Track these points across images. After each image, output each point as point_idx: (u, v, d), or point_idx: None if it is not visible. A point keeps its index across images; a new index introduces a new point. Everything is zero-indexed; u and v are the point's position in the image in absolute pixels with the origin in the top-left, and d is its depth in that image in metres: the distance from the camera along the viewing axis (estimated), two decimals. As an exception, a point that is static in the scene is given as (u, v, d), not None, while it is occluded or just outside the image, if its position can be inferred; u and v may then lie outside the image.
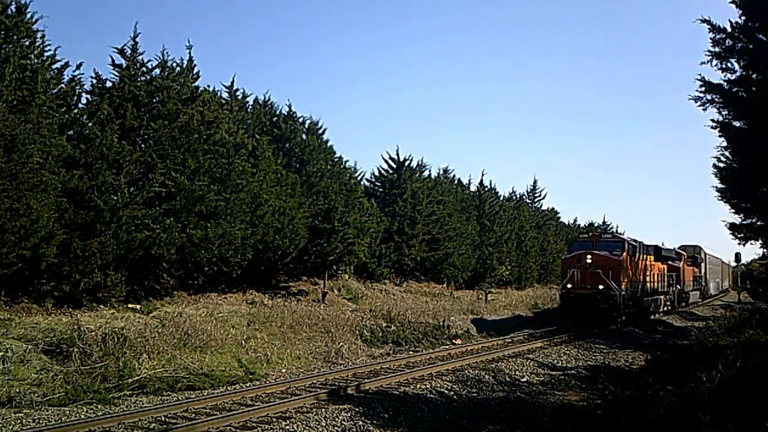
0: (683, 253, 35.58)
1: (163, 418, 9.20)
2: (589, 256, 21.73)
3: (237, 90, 24.44)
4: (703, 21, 13.76)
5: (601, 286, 21.11)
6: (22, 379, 10.47)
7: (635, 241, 25.42)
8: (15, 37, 14.65)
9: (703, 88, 14.15)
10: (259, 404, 10.11)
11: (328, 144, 26.14)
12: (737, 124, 14.69)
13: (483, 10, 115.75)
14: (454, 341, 19.18)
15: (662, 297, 28.18)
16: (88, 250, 14.38)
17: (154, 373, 11.96)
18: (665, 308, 29.49)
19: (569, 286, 21.71)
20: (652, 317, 27.43)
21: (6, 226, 12.38)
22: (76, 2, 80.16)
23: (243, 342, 15.01)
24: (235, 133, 19.79)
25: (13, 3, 14.76)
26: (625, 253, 22.39)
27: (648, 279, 25.91)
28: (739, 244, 18.13)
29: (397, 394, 11.12)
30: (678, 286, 32.24)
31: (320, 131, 26.17)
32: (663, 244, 35.57)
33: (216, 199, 17.45)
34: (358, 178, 28.71)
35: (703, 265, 41.89)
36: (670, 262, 31.09)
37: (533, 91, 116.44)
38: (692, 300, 36.86)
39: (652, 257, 27.07)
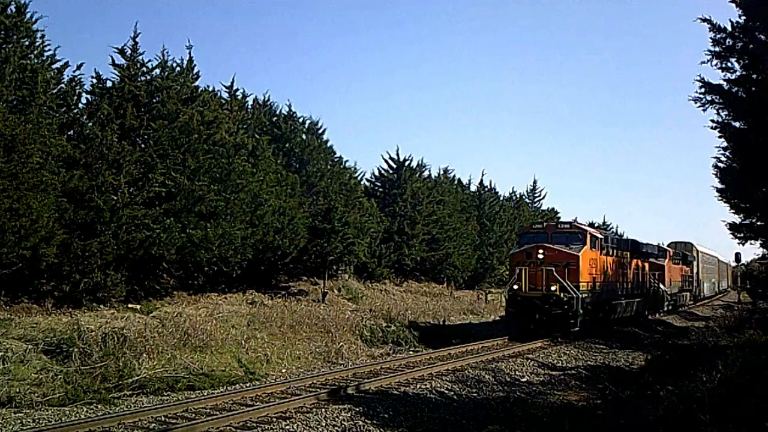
0: (669, 249, 31.91)
1: (163, 418, 9.19)
2: (540, 251, 18.12)
3: (237, 90, 24.54)
4: (704, 20, 13.80)
5: (553, 288, 17.65)
6: (22, 379, 10.47)
7: (603, 232, 22.17)
8: (15, 37, 14.68)
9: (702, 89, 14.18)
10: (259, 404, 10.11)
11: (328, 144, 26.26)
12: (737, 124, 14.71)
13: (483, 10, 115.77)
14: (453, 341, 19.17)
15: (639, 300, 24.30)
16: (88, 250, 14.39)
17: (154, 373, 11.96)
18: (645, 312, 25.75)
19: (515, 287, 18.21)
20: (652, 317, 27.18)
21: (6, 226, 12.39)
22: (76, 2, 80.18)
23: (243, 342, 15.01)
24: (235, 133, 19.82)
25: (13, 3, 14.78)
26: (586, 247, 18.67)
27: (621, 279, 22.39)
28: (739, 243, 18.15)
29: (397, 394, 11.12)
30: (662, 287, 28.39)
31: (320, 131, 26.26)
32: (663, 244, 34.95)
33: (216, 199, 17.46)
34: (358, 178, 28.79)
35: (695, 263, 38.37)
36: (652, 260, 27.51)
37: (533, 92, 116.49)
38: (680, 302, 33.04)
39: (628, 253, 23.54)
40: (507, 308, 18.90)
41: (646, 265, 26.36)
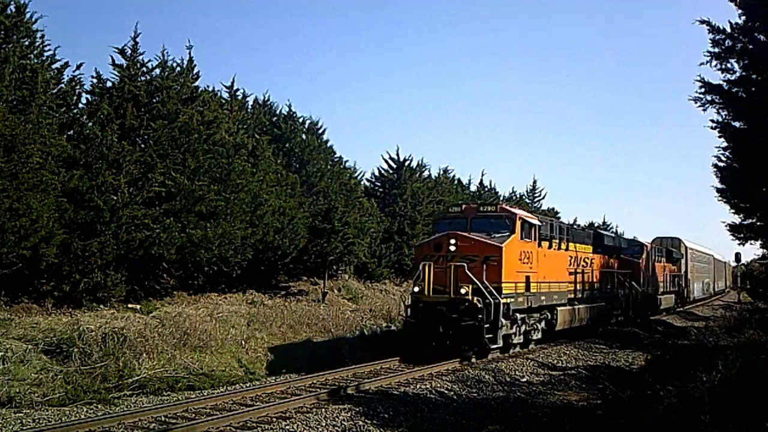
0: (646, 244, 27.54)
1: (163, 418, 9.20)
2: (452, 241, 14.09)
3: (237, 90, 24.56)
4: (702, 22, 13.81)
5: (464, 290, 13.62)
6: (22, 379, 10.47)
7: (545, 219, 17.67)
8: (15, 37, 14.68)
9: (702, 89, 14.20)
10: (259, 404, 10.11)
11: (328, 144, 26.30)
12: (737, 124, 14.72)
13: (483, 10, 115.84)
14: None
15: (602, 305, 20.41)
16: (88, 250, 14.39)
17: (154, 373, 11.97)
18: (612, 319, 21.93)
19: (417, 289, 14.26)
20: (653, 319, 27.05)
21: (6, 226, 12.39)
22: (76, 2, 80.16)
23: (243, 342, 15.02)
24: (235, 133, 19.83)
25: (13, 3, 14.79)
26: (515, 237, 14.61)
27: (574, 279, 18.34)
28: (739, 244, 18.10)
29: (397, 394, 11.12)
30: (636, 288, 24.07)
31: (320, 131, 26.30)
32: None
33: (216, 199, 17.47)
34: (358, 178, 28.82)
35: (682, 261, 34.17)
36: (624, 256, 23.70)
37: (533, 92, 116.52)
38: (662, 306, 28.52)
39: (588, 248, 19.77)
40: (406, 317, 14.57)
41: (615, 262, 22.68)
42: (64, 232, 13.99)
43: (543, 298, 16.09)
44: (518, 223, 14.87)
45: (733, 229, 17.03)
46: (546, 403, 11.42)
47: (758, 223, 16.30)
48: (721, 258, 51.15)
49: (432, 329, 13.80)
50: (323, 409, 9.86)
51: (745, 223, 16.83)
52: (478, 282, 13.67)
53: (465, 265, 13.77)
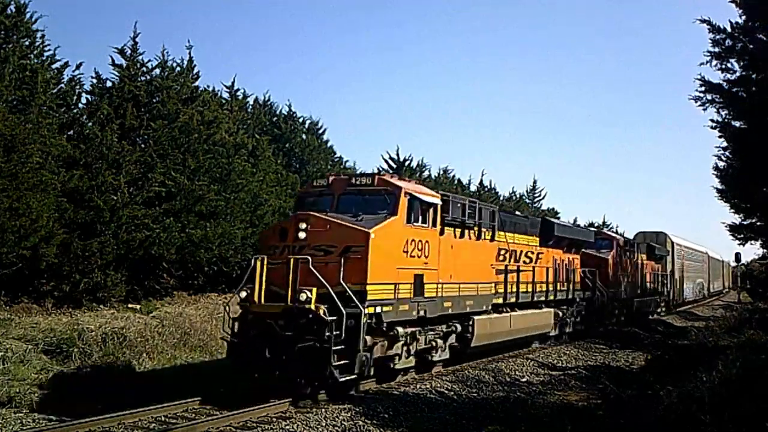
0: (618, 237, 23.93)
1: (163, 418, 9.19)
2: (302, 225, 9.88)
3: (237, 90, 24.61)
4: (703, 21, 13.80)
5: (304, 296, 9.39)
6: (22, 379, 10.47)
7: (458, 197, 12.67)
8: (15, 37, 14.70)
9: (702, 88, 14.20)
10: (259, 404, 10.10)
11: (328, 144, 26.37)
12: (737, 124, 14.72)
13: (483, 10, 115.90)
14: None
15: (550, 312, 16.75)
16: (88, 250, 14.40)
17: (154, 373, 11.97)
18: (567, 329, 18.29)
19: (243, 295, 10.00)
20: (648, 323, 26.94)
21: (6, 226, 12.39)
22: (76, 2, 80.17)
23: (243, 342, 14.99)
24: (235, 133, 19.86)
25: (13, 3, 14.81)
26: (395, 219, 10.44)
27: (503, 278, 14.22)
28: (740, 244, 18.10)
29: (397, 394, 11.10)
30: (608, 291, 20.68)
31: (320, 131, 26.36)
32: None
33: (216, 199, 17.49)
34: (358, 178, 28.81)
35: (668, 258, 30.67)
36: (587, 251, 19.97)
37: (533, 92, 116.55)
38: (644, 309, 25.26)
39: (533, 239, 16.06)
40: (230, 336, 10.13)
41: (574, 258, 18.73)
42: (64, 232, 14.00)
43: (448, 304, 11.92)
44: (403, 201, 10.59)
45: (733, 229, 17.02)
46: (546, 403, 11.42)
47: (758, 223, 16.29)
48: (719, 256, 49.63)
49: (259, 352, 9.54)
50: (323, 409, 9.84)
51: (745, 223, 16.82)
52: (327, 283, 9.45)
53: (309, 258, 9.57)
